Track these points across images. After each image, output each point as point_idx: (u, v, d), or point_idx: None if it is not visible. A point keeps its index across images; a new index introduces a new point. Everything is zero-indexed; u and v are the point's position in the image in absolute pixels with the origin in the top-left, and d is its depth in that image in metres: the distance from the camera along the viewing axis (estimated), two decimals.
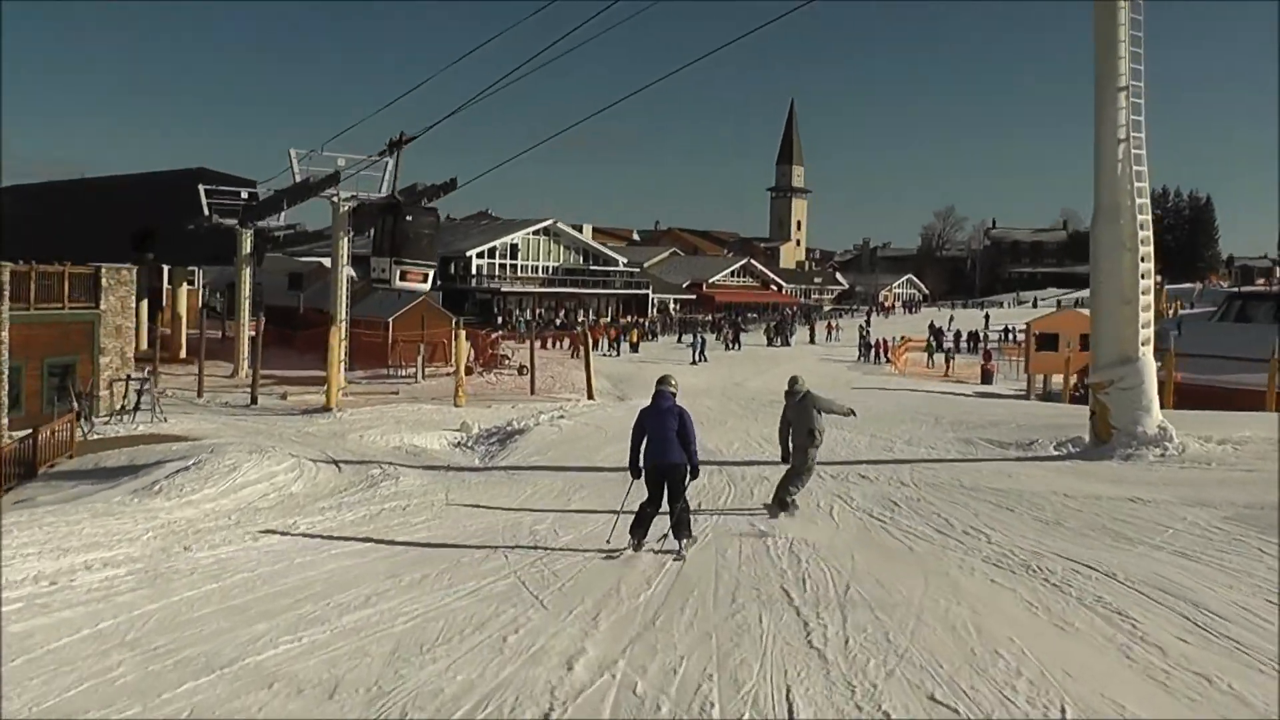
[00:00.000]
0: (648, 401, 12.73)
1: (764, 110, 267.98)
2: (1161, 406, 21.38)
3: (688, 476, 12.22)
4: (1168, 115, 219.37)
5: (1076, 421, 25.38)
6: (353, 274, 71.31)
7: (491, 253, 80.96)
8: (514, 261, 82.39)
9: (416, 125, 29.48)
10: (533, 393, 39.03)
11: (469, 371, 44.44)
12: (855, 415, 16.50)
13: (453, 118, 26.94)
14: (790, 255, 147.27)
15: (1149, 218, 20.84)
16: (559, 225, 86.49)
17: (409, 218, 27.38)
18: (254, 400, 35.44)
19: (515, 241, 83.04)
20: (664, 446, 12.04)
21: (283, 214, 44.96)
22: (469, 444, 27.34)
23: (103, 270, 31.61)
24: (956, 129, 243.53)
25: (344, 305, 39.25)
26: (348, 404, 34.44)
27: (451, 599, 9.90)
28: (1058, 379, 46.21)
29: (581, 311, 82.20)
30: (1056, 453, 21.16)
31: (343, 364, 38.14)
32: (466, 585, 10.43)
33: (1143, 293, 20.63)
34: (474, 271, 79.32)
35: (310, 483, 18.96)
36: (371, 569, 11.34)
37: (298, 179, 38.69)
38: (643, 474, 12.27)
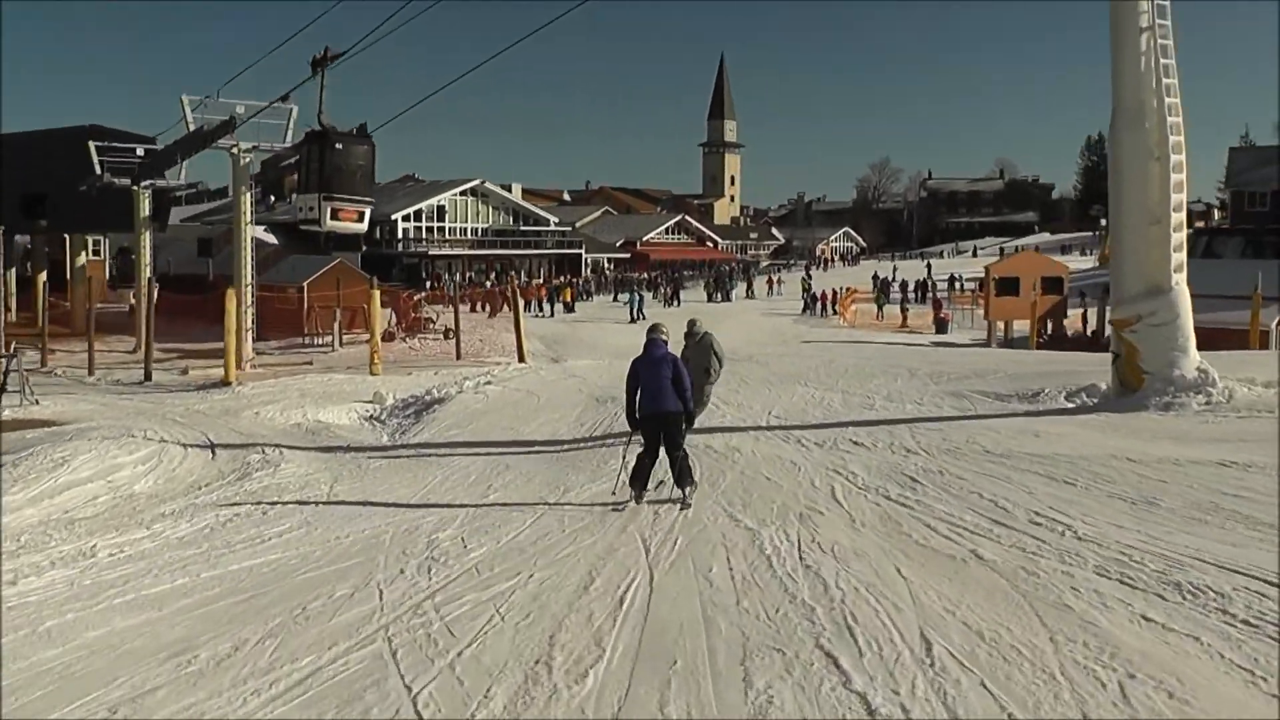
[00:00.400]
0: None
1: (694, 64, 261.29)
2: None
3: (684, 423, 11.91)
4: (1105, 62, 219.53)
5: (1072, 368, 22.26)
6: (274, 240, 67.27)
7: (418, 215, 76.62)
8: (441, 224, 78.03)
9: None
10: (459, 358, 34.90)
11: (389, 337, 40.37)
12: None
13: (372, 49, 22.68)
14: (724, 211, 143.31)
15: (1180, 120, 17.06)
16: (487, 185, 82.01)
17: (338, 146, 22.84)
18: (147, 376, 31.02)
19: (442, 203, 78.58)
20: (659, 395, 11.64)
21: (182, 171, 40.32)
22: (381, 417, 23.34)
23: None
24: (889, 78, 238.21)
25: (249, 268, 34.61)
26: (252, 377, 30.16)
27: (259, 701, 5.88)
28: (1019, 325, 42.92)
29: (513, 273, 78.01)
30: (1070, 404, 17.64)
31: (249, 333, 33.79)
32: (298, 663, 6.42)
33: (1174, 209, 16.91)
34: (400, 235, 74.90)
35: (166, 477, 14.76)
36: (157, 636, 7.25)
37: (191, 129, 33.94)
38: (639, 424, 11.84)
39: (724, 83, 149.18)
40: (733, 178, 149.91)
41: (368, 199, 23.50)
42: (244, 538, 10.34)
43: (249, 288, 34.16)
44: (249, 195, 34.21)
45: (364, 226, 24.04)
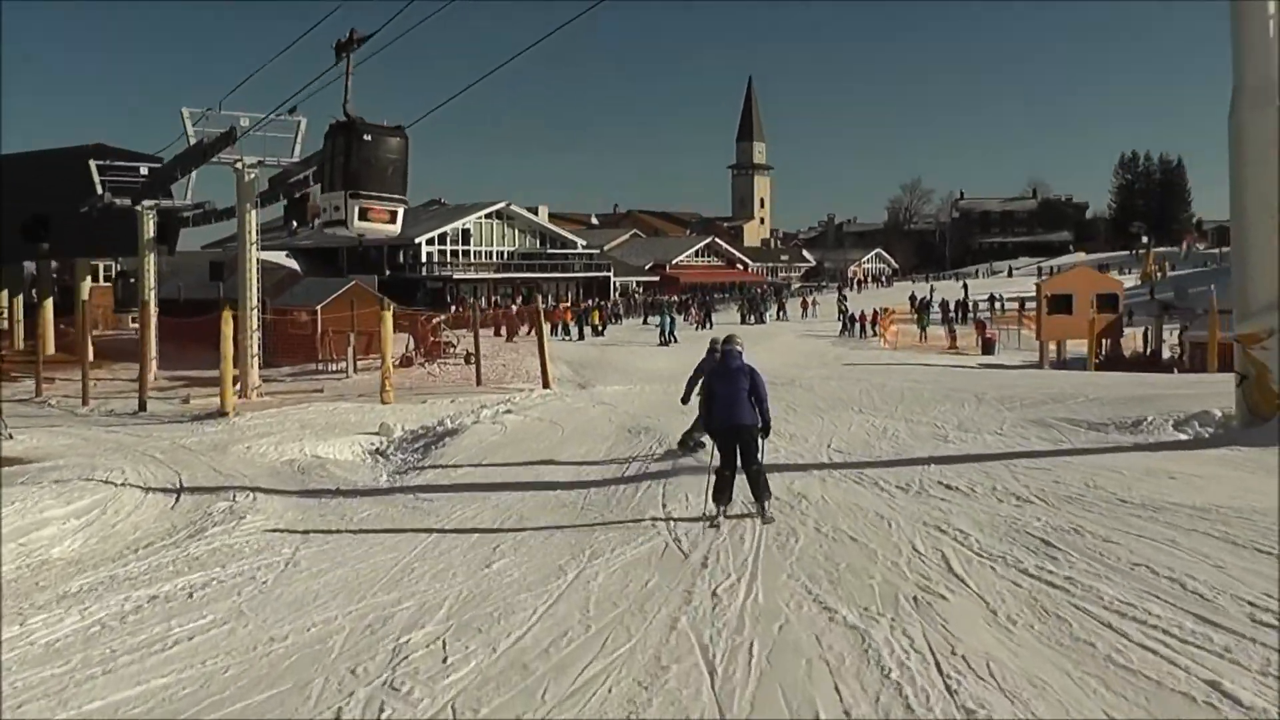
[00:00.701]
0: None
1: (722, 87, 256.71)
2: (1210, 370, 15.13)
3: (760, 436, 11.30)
4: (1139, 80, 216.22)
5: (1165, 392, 19.74)
6: (295, 266, 64.82)
7: (442, 239, 74.43)
8: (466, 247, 75.83)
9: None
10: (479, 384, 32.26)
11: (407, 363, 37.76)
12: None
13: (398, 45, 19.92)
14: (754, 233, 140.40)
15: None
16: (513, 208, 79.75)
17: (367, 138, 19.36)
18: (142, 406, 28.47)
19: (467, 226, 76.38)
20: (735, 407, 11.22)
21: (188, 191, 37.80)
22: (387, 451, 20.71)
23: None
24: (920, 99, 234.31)
25: (254, 290, 31.92)
26: (254, 406, 27.60)
27: None
28: (1074, 345, 39.91)
29: (540, 296, 75.25)
30: (1183, 435, 14.93)
31: (255, 359, 31.24)
32: None
33: None
34: (424, 259, 72.68)
35: (101, 535, 11.94)
36: None
37: (192, 143, 31.32)
38: (715, 436, 11.54)
39: (752, 105, 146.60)
40: (762, 200, 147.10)
41: (400, 197, 20.02)
42: (142, 640, 7.40)
43: (254, 311, 31.50)
44: (254, 213, 31.68)
45: (396, 228, 20.32)
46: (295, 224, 32.22)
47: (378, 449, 21.08)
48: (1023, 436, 16.11)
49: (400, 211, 19.73)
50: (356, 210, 19.14)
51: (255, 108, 30.25)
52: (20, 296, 47.14)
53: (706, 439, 13.45)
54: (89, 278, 44.10)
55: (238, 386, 29.76)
